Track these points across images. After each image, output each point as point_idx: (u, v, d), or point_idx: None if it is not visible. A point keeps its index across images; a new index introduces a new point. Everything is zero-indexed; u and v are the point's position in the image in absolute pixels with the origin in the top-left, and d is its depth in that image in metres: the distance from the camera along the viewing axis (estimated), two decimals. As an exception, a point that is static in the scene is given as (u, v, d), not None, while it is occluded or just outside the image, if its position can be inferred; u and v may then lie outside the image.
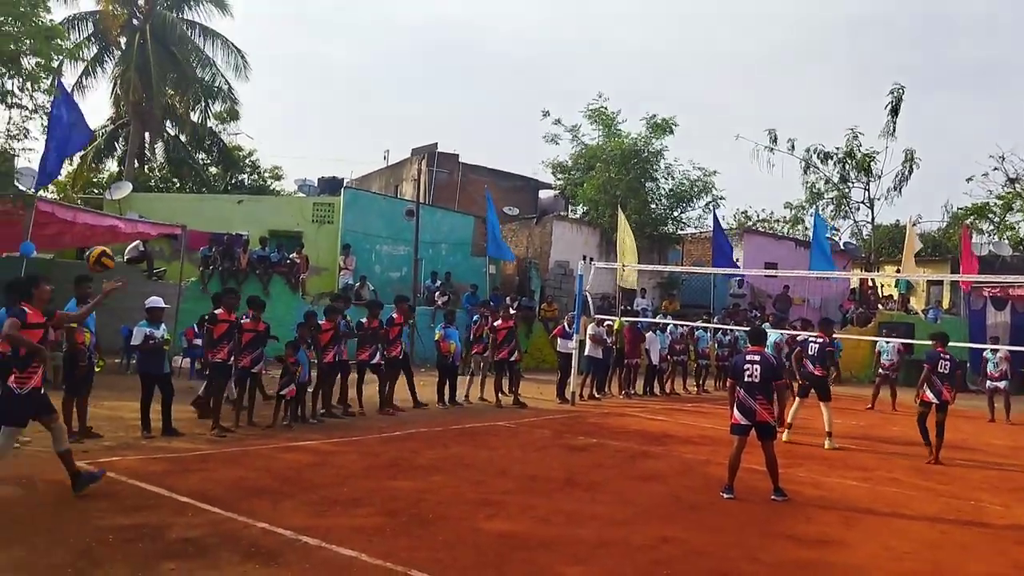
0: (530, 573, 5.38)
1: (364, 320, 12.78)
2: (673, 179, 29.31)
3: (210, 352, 10.35)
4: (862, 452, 11.55)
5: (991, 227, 36.72)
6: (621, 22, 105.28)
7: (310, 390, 11.66)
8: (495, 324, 14.71)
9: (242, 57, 30.10)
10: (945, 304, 27.22)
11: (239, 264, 19.51)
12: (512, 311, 15.83)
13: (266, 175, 40.99)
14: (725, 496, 7.92)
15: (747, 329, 12.75)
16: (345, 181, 31.02)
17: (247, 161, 39.16)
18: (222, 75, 30.47)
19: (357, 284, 21.35)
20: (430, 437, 10.79)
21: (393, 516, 6.60)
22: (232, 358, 10.48)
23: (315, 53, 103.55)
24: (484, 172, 33.35)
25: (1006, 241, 32.92)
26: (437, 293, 22.49)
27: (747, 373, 8.05)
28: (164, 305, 10.51)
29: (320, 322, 11.88)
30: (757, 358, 8.13)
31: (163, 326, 10.14)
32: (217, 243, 19.78)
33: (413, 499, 7.19)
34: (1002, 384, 15.99)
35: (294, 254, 20.96)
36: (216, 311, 10.46)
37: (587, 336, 16.38)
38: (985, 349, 17.53)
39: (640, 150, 28.15)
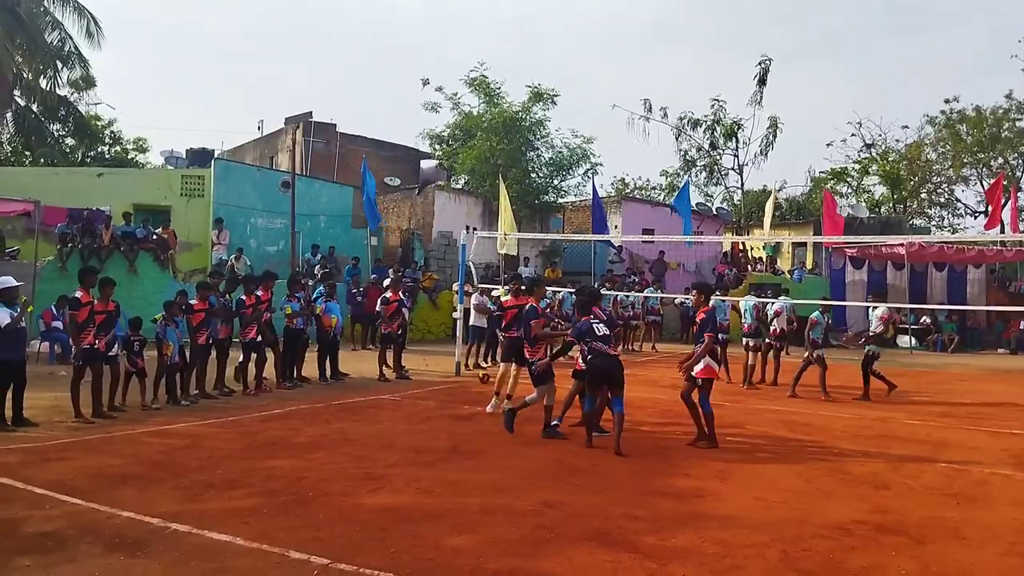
0: (414, 546, 5.31)
1: (244, 297, 12.31)
2: (553, 148, 29.52)
3: (76, 338, 9.74)
4: (734, 408, 12.05)
5: (849, 190, 39.09)
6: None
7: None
8: (387, 296, 14.42)
9: (94, 21, 28.07)
10: (809, 264, 28.70)
11: (101, 241, 18.37)
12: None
13: (129, 147, 38.83)
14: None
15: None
16: (216, 152, 29.73)
17: (107, 132, 36.91)
18: (71, 40, 28.38)
19: (232, 258, 20.55)
20: (311, 414, 10.53)
21: (271, 496, 6.39)
22: (97, 342, 9.87)
23: (187, 23, 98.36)
24: (363, 142, 32.74)
25: (863, 204, 35.11)
26: (317, 267, 21.92)
27: (597, 331, 8.83)
28: (15, 284, 9.72)
29: (192, 301, 11.38)
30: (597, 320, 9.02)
31: (17, 307, 9.36)
32: (76, 219, 18.56)
33: (293, 478, 6.99)
34: (778, 343, 14.65)
35: (160, 229, 19.92)
36: (76, 294, 9.83)
37: (472, 305, 16.36)
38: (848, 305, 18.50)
39: (521, 119, 28.14)
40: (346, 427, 9.61)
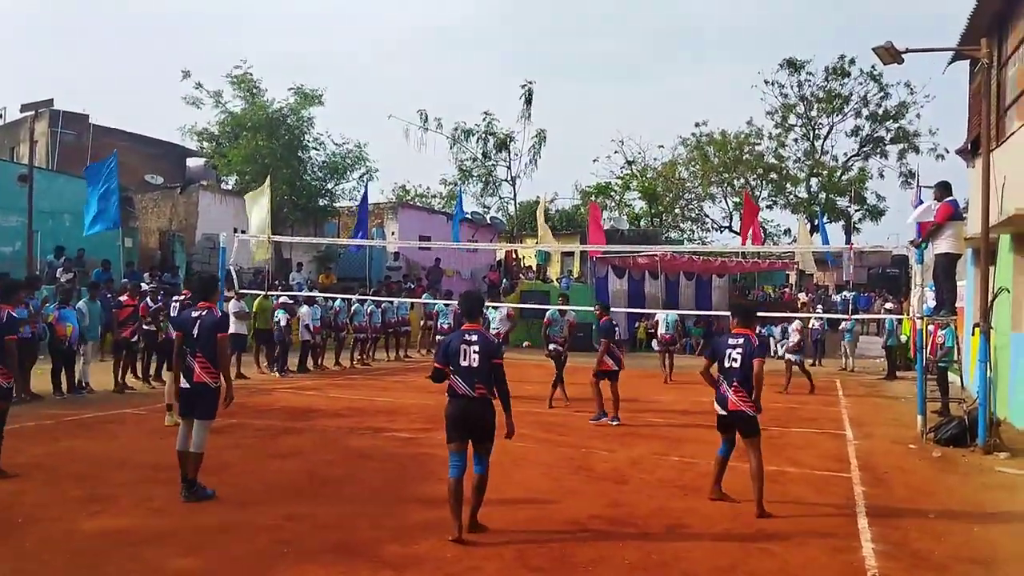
0: (131, 571, 4.90)
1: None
2: (327, 151, 28.74)
3: None
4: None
5: (612, 204, 41.78)
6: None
7: None
8: (120, 300, 13.40)
9: None
10: (576, 273, 30.20)
11: None
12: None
13: None
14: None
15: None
16: (-62, 140, 26.23)
17: None
18: None
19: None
20: (37, 432, 9.49)
21: (-30, 526, 5.68)
22: None
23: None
24: (121, 136, 30.09)
25: (624, 217, 37.63)
26: (60, 270, 19.91)
27: (463, 356, 6.08)
28: None
29: None
30: (475, 337, 6.18)
31: None
32: None
33: (2, 504, 6.25)
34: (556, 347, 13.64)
35: None
36: None
37: (231, 312, 15.55)
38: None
39: (287, 118, 27.06)
40: (76, 445, 8.77)
